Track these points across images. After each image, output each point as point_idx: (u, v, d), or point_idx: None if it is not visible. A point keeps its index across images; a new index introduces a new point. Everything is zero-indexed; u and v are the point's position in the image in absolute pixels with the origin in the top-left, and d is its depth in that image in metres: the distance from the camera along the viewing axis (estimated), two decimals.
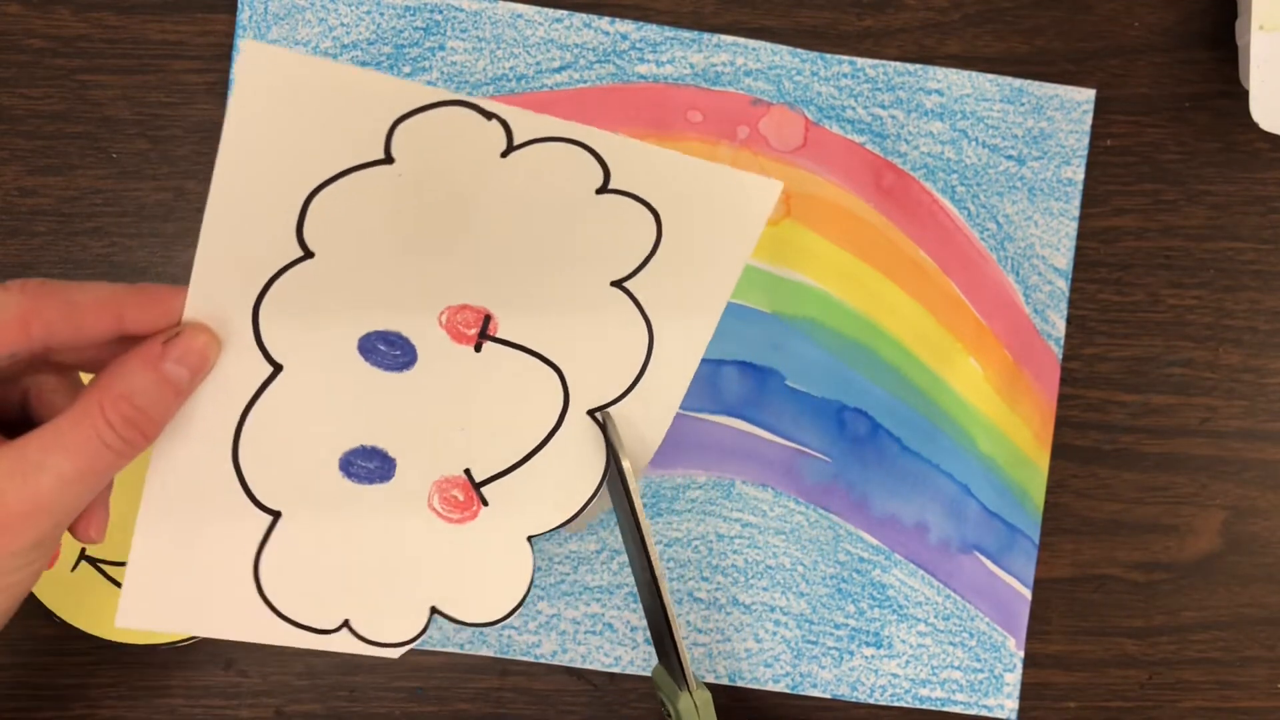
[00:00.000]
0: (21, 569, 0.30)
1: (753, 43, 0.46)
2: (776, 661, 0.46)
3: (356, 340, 0.34)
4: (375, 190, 0.32)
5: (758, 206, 0.35)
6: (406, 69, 0.46)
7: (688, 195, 0.35)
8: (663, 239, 0.35)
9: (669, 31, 0.46)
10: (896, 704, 0.47)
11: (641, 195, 0.34)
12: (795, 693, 0.46)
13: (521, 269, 0.35)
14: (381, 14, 0.46)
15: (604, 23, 0.46)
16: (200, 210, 0.45)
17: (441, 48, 0.46)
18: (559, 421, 0.37)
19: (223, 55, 0.46)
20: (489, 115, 0.32)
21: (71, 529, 0.32)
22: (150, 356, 0.30)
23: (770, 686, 0.46)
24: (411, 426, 0.36)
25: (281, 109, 0.31)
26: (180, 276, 0.45)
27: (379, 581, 0.36)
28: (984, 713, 0.47)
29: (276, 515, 0.35)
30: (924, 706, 0.47)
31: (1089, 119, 0.47)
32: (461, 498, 0.36)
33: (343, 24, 0.46)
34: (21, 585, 0.30)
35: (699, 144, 0.46)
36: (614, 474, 0.37)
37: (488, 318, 0.35)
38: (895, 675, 0.47)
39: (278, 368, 0.34)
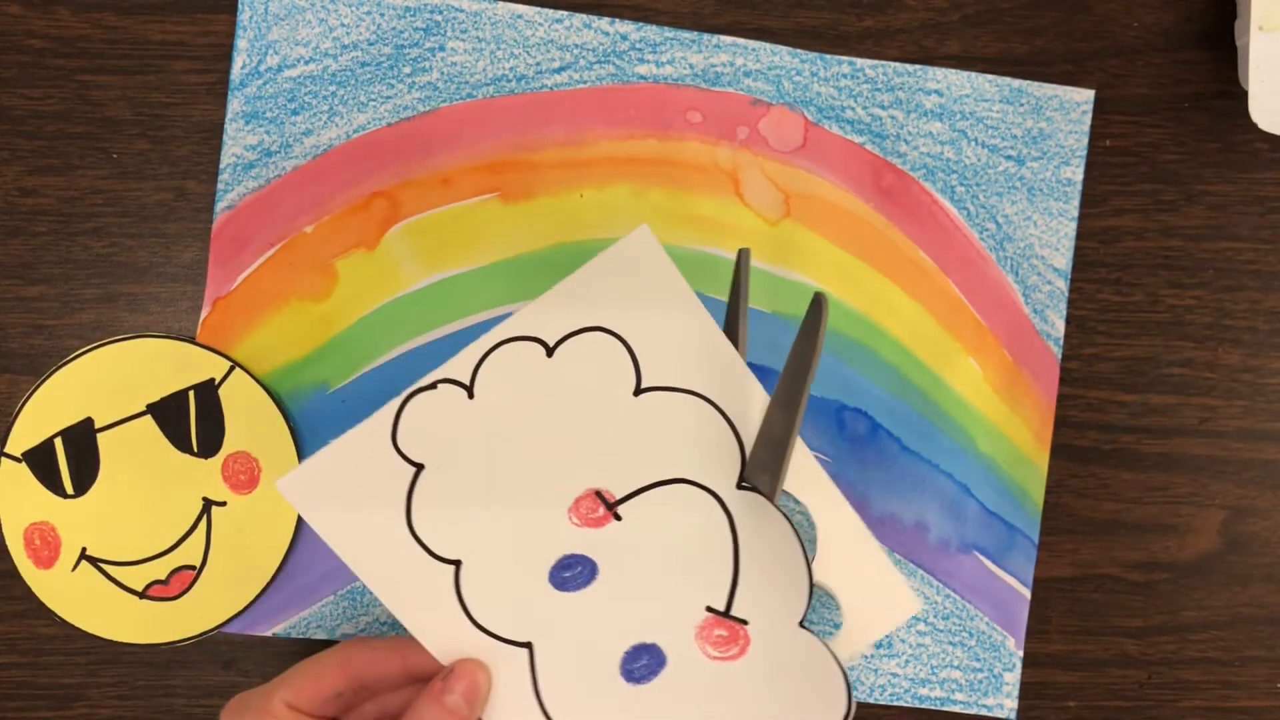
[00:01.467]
0: None
1: (752, 43, 0.46)
2: None
3: (548, 584, 0.38)
4: (439, 491, 0.38)
5: (648, 249, 0.38)
6: (406, 69, 0.46)
7: (606, 294, 0.38)
8: (629, 336, 0.38)
9: (669, 32, 0.46)
10: (896, 704, 0.47)
11: (589, 325, 0.38)
12: None
13: (570, 440, 0.38)
14: (381, 14, 0.46)
15: (604, 23, 0.46)
16: (200, 210, 0.46)
17: (441, 48, 0.46)
18: (726, 512, 0.38)
19: (223, 55, 0.46)
20: (432, 385, 0.38)
21: None
22: (434, 692, 0.37)
23: None
24: (642, 610, 0.38)
25: (337, 497, 0.37)
26: (180, 276, 0.46)
27: None
28: (983, 712, 0.47)
29: None
30: (924, 706, 0.47)
31: (1088, 119, 0.47)
32: (725, 633, 0.38)
33: (343, 24, 0.46)
34: None
35: (699, 144, 0.46)
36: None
37: (598, 493, 0.38)
38: (895, 675, 0.47)
39: (529, 645, 0.38)
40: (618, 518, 0.38)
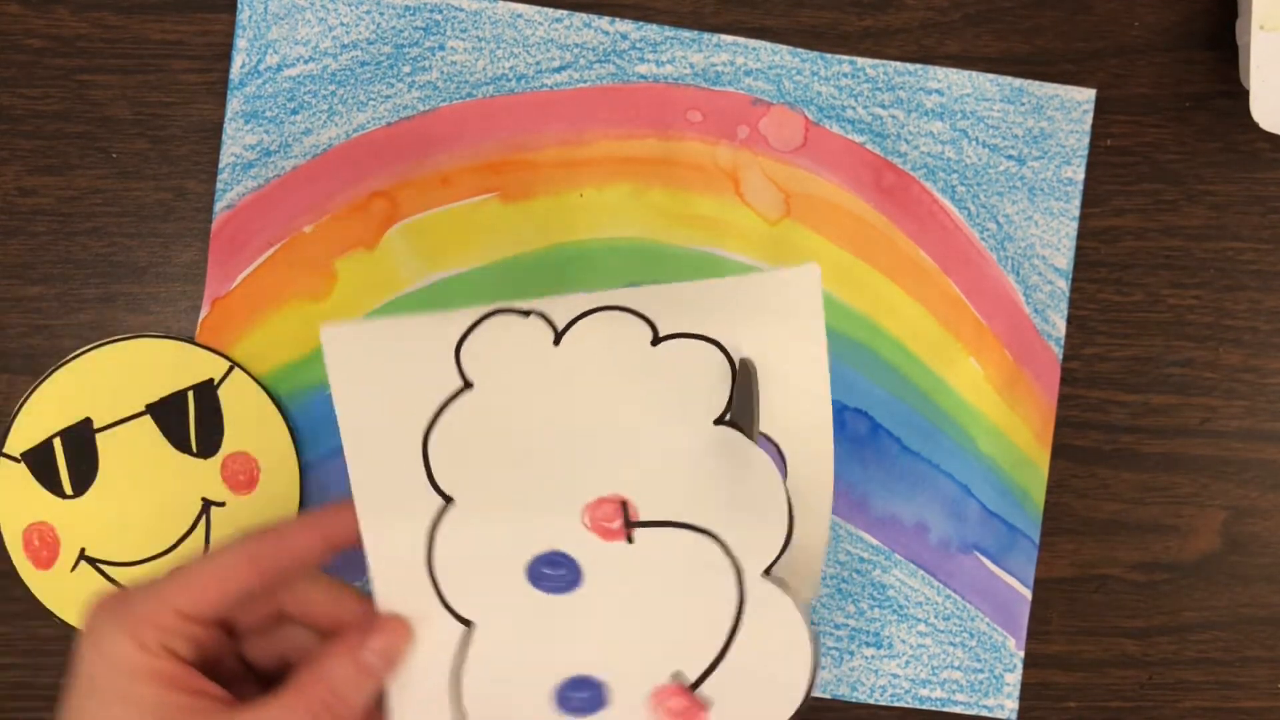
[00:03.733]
0: None
1: (753, 42, 0.46)
2: None
3: (525, 573, 0.35)
4: (472, 419, 0.34)
5: (807, 293, 0.35)
6: (406, 69, 0.46)
7: (736, 313, 0.35)
8: (735, 363, 0.35)
9: (669, 31, 0.46)
10: (896, 704, 0.47)
11: (694, 331, 0.35)
12: None
13: (626, 441, 0.35)
14: (381, 14, 0.46)
15: (604, 22, 0.46)
16: (199, 210, 0.46)
17: (441, 48, 0.46)
18: (741, 591, 0.34)
19: (223, 55, 0.46)
20: (525, 313, 0.34)
21: None
22: (349, 645, 0.33)
23: None
24: (606, 643, 0.35)
25: (372, 374, 0.34)
26: (180, 276, 0.46)
27: None
28: (984, 713, 0.47)
29: None
30: (924, 707, 0.47)
31: (1089, 119, 0.47)
32: (684, 705, 0.34)
33: (342, 24, 0.46)
34: None
35: (699, 144, 0.46)
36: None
37: (624, 504, 0.35)
38: (895, 675, 0.47)
39: (468, 624, 0.34)
40: (629, 539, 0.35)
